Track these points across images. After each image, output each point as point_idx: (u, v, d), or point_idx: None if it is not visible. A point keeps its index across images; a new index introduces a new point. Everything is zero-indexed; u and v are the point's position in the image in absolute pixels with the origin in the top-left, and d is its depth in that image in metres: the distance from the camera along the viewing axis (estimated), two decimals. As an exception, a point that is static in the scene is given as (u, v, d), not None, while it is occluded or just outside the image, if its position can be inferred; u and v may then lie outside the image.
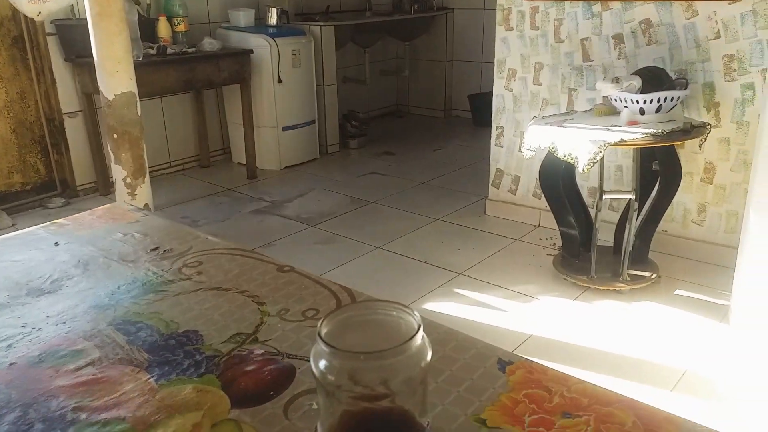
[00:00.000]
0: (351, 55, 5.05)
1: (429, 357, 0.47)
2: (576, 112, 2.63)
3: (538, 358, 2.09)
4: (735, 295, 2.07)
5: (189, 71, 3.57)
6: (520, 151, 2.40)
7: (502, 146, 3.19)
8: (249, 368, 0.61)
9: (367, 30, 4.82)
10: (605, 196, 2.31)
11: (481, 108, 4.72)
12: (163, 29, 3.63)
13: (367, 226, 3.13)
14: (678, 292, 2.38)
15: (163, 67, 3.45)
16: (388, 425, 0.48)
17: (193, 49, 3.63)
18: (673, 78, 2.41)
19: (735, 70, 2.47)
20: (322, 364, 0.46)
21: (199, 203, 3.52)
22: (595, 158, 2.09)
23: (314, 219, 3.24)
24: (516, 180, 3.18)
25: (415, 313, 0.49)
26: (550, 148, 2.24)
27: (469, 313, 2.28)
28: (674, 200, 2.51)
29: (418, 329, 0.47)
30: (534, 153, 2.36)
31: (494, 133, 3.20)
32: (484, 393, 0.58)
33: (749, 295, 1.99)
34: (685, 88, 2.39)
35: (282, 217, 3.29)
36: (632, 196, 2.29)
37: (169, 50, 3.51)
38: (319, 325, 0.47)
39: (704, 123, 2.31)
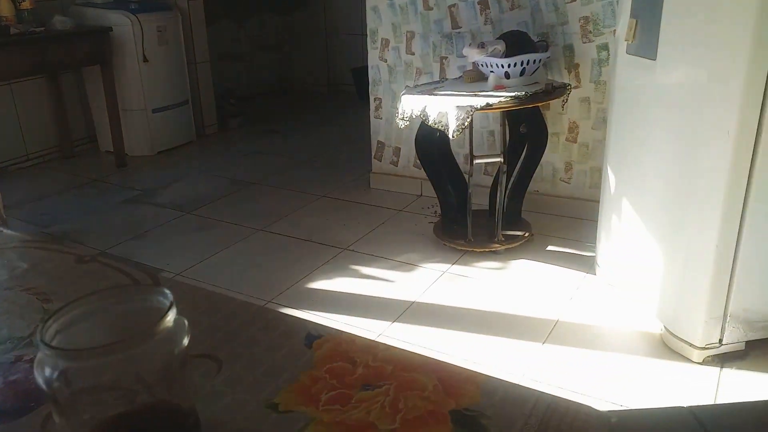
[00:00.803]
0: (227, 31, 4.82)
1: (185, 342, 0.42)
2: (447, 79, 2.65)
3: (419, 323, 2.09)
4: (599, 246, 2.18)
5: (38, 53, 3.24)
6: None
7: (381, 118, 3.17)
8: (12, 377, 0.53)
9: (240, 3, 4.61)
10: (476, 161, 2.36)
11: (364, 81, 4.66)
12: (5, 7, 3.27)
13: (248, 209, 3.01)
14: (550, 248, 2.48)
15: (7, 50, 3.11)
16: (150, 422, 0.43)
17: (42, 29, 3.30)
18: (535, 41, 2.48)
19: (591, 32, 2.57)
20: (48, 371, 0.38)
21: (62, 198, 3.23)
22: (463, 124, 2.11)
23: (191, 205, 3.07)
24: (397, 151, 3.17)
25: (169, 294, 0.43)
26: (422, 116, 2.24)
27: (353, 287, 2.25)
28: (543, 160, 2.60)
29: (166, 313, 0.41)
30: (408, 123, 2.35)
31: (372, 105, 3.17)
32: (283, 374, 0.53)
33: (609, 245, 2.11)
34: (546, 51, 2.47)
35: (155, 205, 3.09)
36: (501, 160, 2.34)
37: (13, 30, 3.17)
38: (42, 325, 0.40)
39: (565, 84, 2.40)
